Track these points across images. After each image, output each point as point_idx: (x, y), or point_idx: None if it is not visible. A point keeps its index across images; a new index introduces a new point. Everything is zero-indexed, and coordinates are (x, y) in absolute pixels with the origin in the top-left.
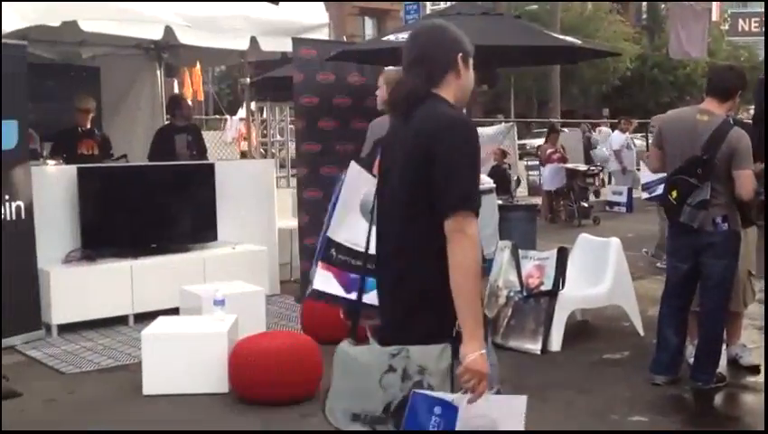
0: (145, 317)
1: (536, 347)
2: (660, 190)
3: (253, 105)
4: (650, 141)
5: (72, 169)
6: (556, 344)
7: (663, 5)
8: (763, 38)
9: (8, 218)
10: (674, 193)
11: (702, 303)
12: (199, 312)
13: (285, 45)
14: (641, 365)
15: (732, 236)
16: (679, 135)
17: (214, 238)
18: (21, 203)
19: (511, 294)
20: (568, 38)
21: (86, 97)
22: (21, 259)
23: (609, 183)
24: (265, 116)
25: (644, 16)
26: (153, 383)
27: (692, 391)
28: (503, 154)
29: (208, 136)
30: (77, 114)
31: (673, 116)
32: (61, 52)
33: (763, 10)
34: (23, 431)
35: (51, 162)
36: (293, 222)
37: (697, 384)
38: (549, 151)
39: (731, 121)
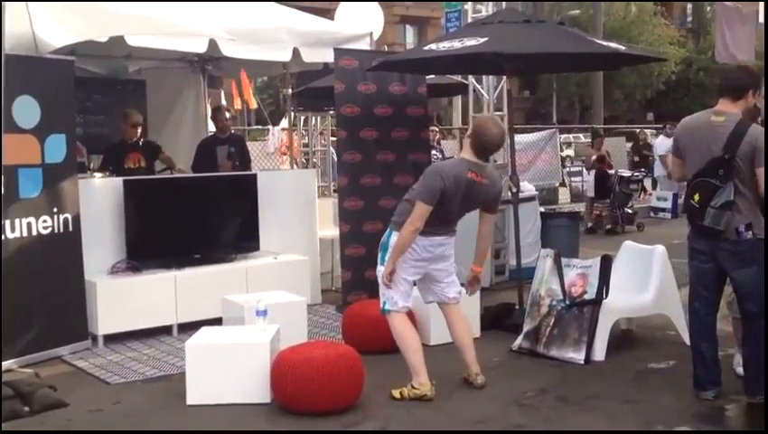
0: (188, 327)
1: (579, 357)
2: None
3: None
4: None
5: (118, 181)
6: (599, 353)
7: (709, 7)
8: None
9: (56, 230)
10: (696, 197)
11: (745, 312)
12: (241, 322)
13: (327, 56)
14: (687, 375)
15: (756, 244)
16: (697, 139)
17: (256, 248)
18: (68, 216)
19: (554, 303)
20: (612, 44)
21: (133, 112)
22: (68, 270)
23: (654, 188)
24: (306, 126)
25: (689, 19)
26: (196, 393)
27: (742, 402)
28: (602, 159)
29: (250, 147)
30: (125, 129)
31: (688, 121)
32: (108, 66)
33: None
34: (23, 431)
35: (97, 174)
36: (334, 232)
37: (755, 399)
38: (594, 157)
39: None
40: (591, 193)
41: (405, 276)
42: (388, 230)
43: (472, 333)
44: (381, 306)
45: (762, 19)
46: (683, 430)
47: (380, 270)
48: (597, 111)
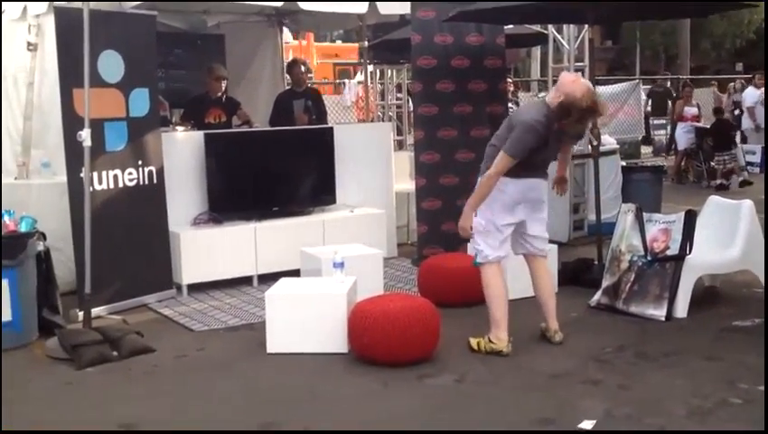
0: (267, 278)
1: (660, 313)
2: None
3: (371, 68)
4: None
5: (199, 135)
6: (681, 310)
7: None
8: None
9: (141, 182)
10: None
11: None
12: (318, 274)
13: (404, 7)
14: None
15: None
16: None
17: (333, 201)
18: (153, 168)
19: (635, 258)
20: None
21: (218, 66)
22: (153, 222)
23: (742, 141)
24: (383, 79)
25: None
26: (276, 342)
27: None
28: (720, 110)
29: (327, 100)
30: (210, 82)
31: None
32: (188, 21)
33: None
34: (23, 432)
35: (179, 128)
36: (410, 185)
37: None
38: (686, 108)
39: None
40: (681, 146)
41: (499, 222)
42: (479, 180)
43: (555, 288)
44: (474, 259)
45: None
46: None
47: (476, 221)
48: (684, 61)
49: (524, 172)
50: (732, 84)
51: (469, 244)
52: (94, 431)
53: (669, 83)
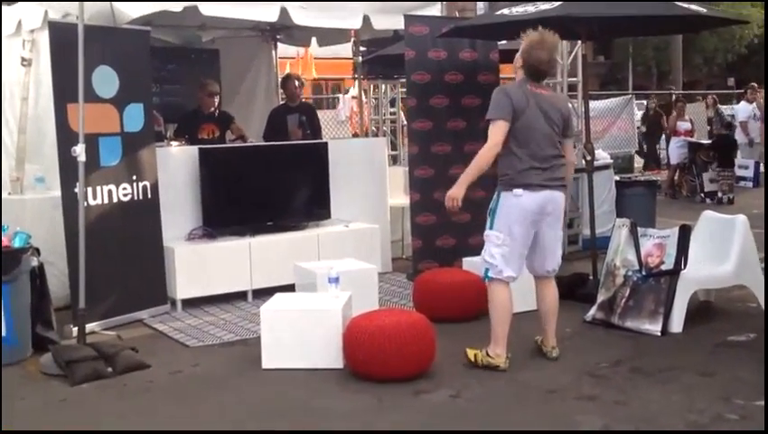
0: (262, 293)
1: (655, 328)
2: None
3: (365, 83)
4: None
5: (194, 150)
6: (677, 325)
7: None
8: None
9: (135, 197)
10: None
11: None
12: (313, 289)
13: (398, 23)
14: None
15: None
16: None
17: (328, 216)
18: (147, 183)
19: (629, 273)
20: (692, 6)
21: (210, 82)
22: (148, 237)
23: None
24: (377, 94)
25: None
26: (271, 358)
27: None
28: (729, 126)
29: (321, 115)
30: (202, 98)
31: None
32: (183, 36)
33: None
34: (23, 431)
35: (174, 143)
36: (404, 200)
37: None
38: (679, 123)
39: None
40: (673, 161)
41: (515, 232)
42: (496, 193)
43: (557, 305)
44: (483, 273)
45: None
46: (763, 405)
47: (488, 234)
48: (676, 76)
49: (530, 175)
50: (706, 99)
51: (481, 254)
52: (93, 431)
53: (672, 97)
